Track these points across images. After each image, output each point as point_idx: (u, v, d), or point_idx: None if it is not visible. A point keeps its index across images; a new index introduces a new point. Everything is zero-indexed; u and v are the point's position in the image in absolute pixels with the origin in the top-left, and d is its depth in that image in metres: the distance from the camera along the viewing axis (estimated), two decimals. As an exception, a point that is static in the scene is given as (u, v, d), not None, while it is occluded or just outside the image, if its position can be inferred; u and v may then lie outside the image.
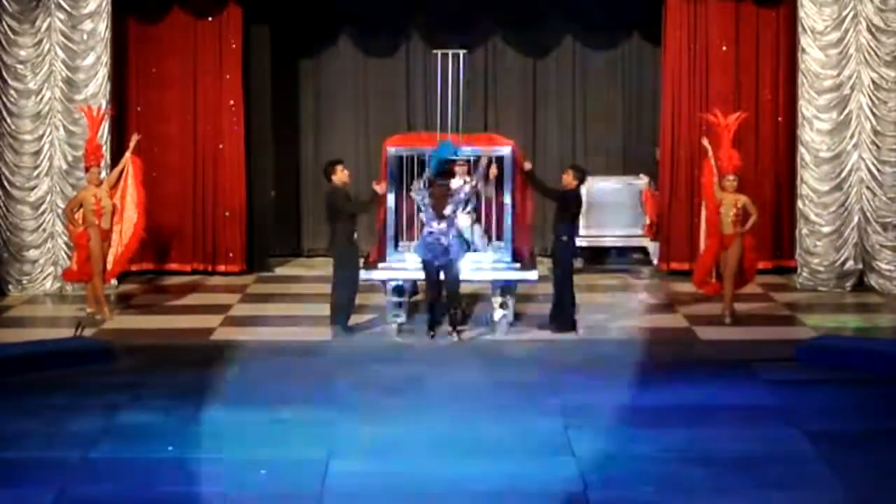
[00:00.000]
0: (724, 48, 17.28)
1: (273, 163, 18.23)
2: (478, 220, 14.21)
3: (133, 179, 15.00)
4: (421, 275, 13.68)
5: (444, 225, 13.38)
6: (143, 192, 15.07)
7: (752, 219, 14.20)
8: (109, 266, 14.92)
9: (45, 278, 16.46)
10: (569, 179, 14.00)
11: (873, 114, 16.28)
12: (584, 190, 14.87)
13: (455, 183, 14.02)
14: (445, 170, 13.66)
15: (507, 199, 13.81)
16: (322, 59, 18.79)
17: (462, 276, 13.68)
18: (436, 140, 14.05)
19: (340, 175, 13.86)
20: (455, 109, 18.61)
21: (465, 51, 14.63)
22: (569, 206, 13.91)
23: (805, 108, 16.43)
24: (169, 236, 17.49)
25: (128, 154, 15.09)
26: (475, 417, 10.71)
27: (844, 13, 16.22)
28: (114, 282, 15.93)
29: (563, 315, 13.93)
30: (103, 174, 15.00)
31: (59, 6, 16.24)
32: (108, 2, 16.35)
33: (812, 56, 16.35)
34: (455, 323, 13.57)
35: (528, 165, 14.02)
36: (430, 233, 13.38)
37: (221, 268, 17.57)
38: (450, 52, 14.36)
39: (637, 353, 13.11)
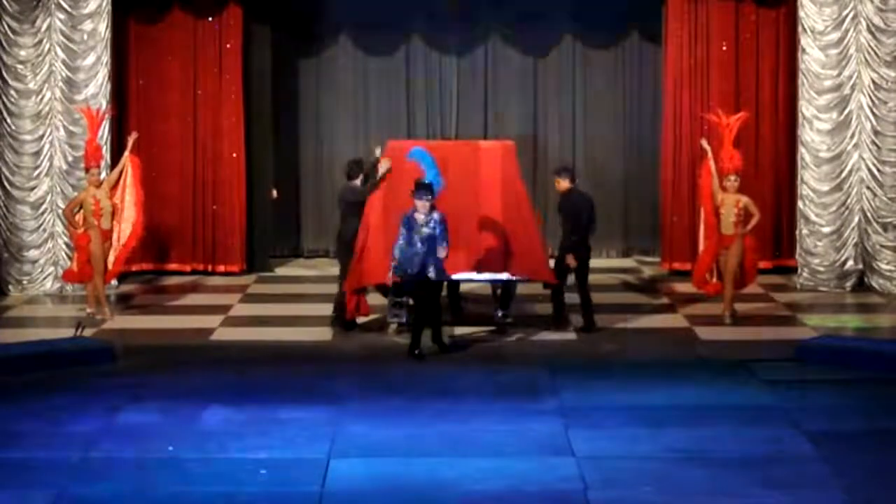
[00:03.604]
0: (725, 48, 17.29)
1: (273, 163, 18.22)
2: None
3: (132, 179, 15.00)
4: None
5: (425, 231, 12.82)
6: (142, 192, 15.08)
7: (753, 219, 14.18)
8: (110, 266, 14.92)
9: (45, 278, 16.45)
10: (560, 185, 14.11)
11: (873, 114, 16.28)
12: None
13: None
14: (428, 186, 12.91)
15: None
16: (322, 59, 18.78)
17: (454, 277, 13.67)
18: (437, 146, 14.08)
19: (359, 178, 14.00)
20: (455, 111, 18.87)
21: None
22: (561, 211, 14.08)
23: (805, 108, 16.43)
24: (169, 236, 17.50)
25: (126, 153, 15.10)
26: (475, 417, 10.71)
27: (844, 13, 16.22)
28: (114, 282, 15.91)
29: (555, 314, 14.13)
30: (103, 175, 15.00)
31: (59, 6, 16.23)
32: (108, 2, 16.35)
33: (812, 56, 16.35)
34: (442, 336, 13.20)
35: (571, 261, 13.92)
36: (409, 246, 12.86)
37: (221, 268, 17.58)
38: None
39: (637, 353, 13.11)
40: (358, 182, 14.02)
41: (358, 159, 14.43)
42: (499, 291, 14.09)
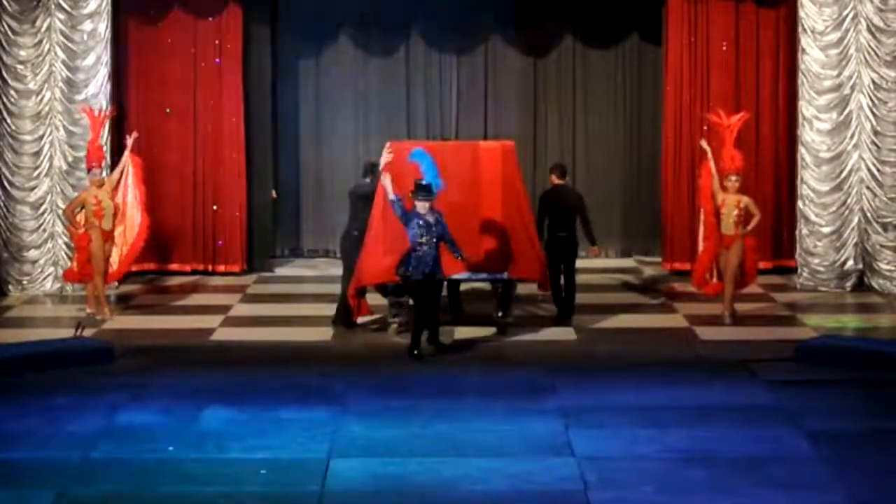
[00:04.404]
0: (725, 48, 17.29)
1: (273, 163, 18.23)
2: None
3: (134, 178, 15.02)
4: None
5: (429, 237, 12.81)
6: (145, 191, 15.08)
7: (754, 219, 14.19)
8: (115, 266, 14.93)
9: (45, 278, 16.45)
10: (550, 181, 14.75)
11: (873, 114, 16.28)
12: None
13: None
14: (427, 186, 12.89)
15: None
16: (322, 59, 18.78)
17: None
18: (438, 147, 14.08)
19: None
20: (455, 111, 18.87)
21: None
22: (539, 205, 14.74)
23: (805, 108, 16.43)
24: (169, 236, 17.50)
25: (127, 153, 15.10)
26: (475, 417, 10.71)
27: (844, 13, 16.22)
28: (115, 282, 15.90)
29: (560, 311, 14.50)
30: (104, 175, 15.01)
31: (59, 6, 16.23)
32: (108, 2, 16.35)
33: (812, 56, 16.35)
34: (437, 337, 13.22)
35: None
36: (420, 245, 12.82)
37: (221, 268, 17.58)
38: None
39: (637, 353, 13.11)
40: (368, 180, 14.07)
41: (375, 161, 14.37)
42: (500, 291, 14.09)
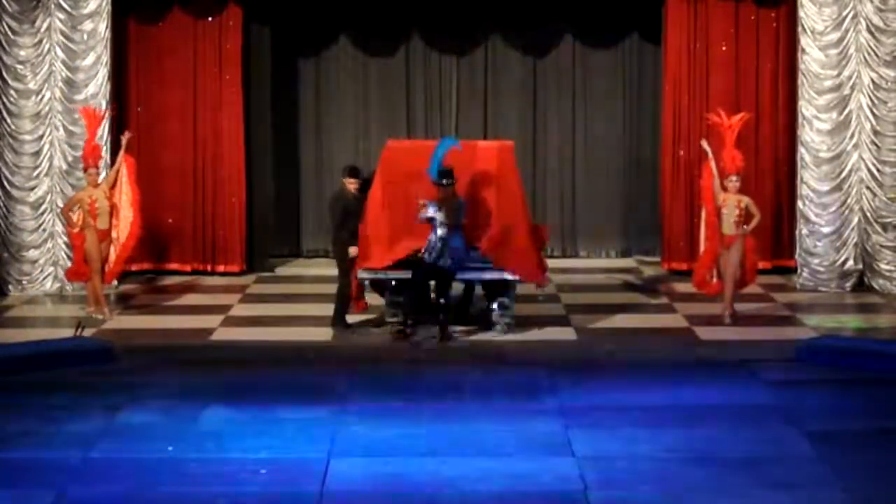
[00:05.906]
0: (724, 48, 17.29)
1: (273, 163, 18.23)
2: None
3: (127, 178, 15.02)
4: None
5: (445, 231, 13.14)
6: (138, 191, 15.08)
7: (754, 220, 14.18)
8: (111, 266, 14.93)
9: (45, 278, 16.46)
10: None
11: (873, 114, 16.28)
12: None
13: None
14: (447, 171, 13.40)
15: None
16: (322, 59, 18.79)
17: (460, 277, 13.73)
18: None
19: (345, 185, 14.03)
20: (455, 111, 18.87)
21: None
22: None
23: (805, 108, 16.43)
24: (169, 236, 17.50)
25: (122, 153, 15.11)
26: (475, 417, 10.71)
27: (844, 13, 16.22)
28: (114, 282, 15.90)
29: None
30: (101, 175, 15.01)
31: (59, 6, 16.24)
32: (108, 2, 16.36)
33: (812, 56, 16.35)
34: (445, 326, 13.45)
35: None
36: (437, 236, 13.14)
37: (221, 268, 17.58)
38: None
39: (637, 353, 13.11)
40: (352, 188, 14.01)
41: (349, 167, 14.46)
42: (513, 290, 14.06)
